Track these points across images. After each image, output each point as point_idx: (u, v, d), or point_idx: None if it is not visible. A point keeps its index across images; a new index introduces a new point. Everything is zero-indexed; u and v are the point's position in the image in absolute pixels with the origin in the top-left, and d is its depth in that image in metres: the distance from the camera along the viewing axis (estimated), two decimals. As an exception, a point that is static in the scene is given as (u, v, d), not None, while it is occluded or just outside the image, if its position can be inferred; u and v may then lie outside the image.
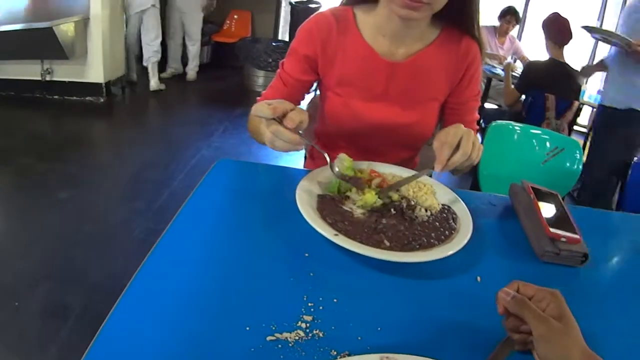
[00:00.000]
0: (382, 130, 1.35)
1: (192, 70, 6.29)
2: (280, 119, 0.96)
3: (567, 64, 3.70)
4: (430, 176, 1.23)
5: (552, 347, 0.63)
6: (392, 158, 1.31)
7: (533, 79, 3.74)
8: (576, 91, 3.76)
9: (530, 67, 3.89)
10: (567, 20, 3.59)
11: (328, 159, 1.08)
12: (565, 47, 3.65)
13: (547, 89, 3.65)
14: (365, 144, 1.39)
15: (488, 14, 5.29)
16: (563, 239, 0.97)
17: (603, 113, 3.31)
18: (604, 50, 7.44)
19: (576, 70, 3.75)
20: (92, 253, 2.63)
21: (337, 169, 1.08)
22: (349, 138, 1.40)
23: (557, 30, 3.62)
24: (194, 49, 6.14)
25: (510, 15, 5.15)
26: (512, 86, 3.95)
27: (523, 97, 3.92)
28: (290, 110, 0.96)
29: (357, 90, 1.32)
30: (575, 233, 1.00)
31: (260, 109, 0.95)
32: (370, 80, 1.31)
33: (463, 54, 1.32)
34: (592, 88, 7.31)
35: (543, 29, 3.71)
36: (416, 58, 1.30)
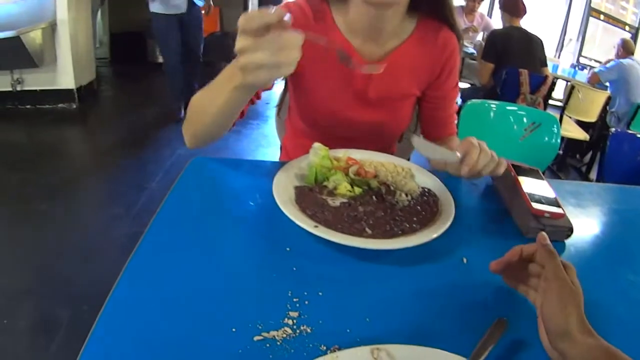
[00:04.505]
0: (356, 126, 1.33)
1: None
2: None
3: (524, 28, 4.13)
4: (408, 159, 1.22)
5: (557, 305, 0.63)
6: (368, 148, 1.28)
7: (497, 43, 4.08)
8: (537, 52, 4.10)
9: (493, 33, 4.24)
10: None
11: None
12: (520, 20, 4.16)
13: (511, 52, 3.99)
14: (341, 136, 1.36)
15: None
16: (547, 215, 0.97)
17: None
18: (575, 27, 7.55)
19: (534, 34, 4.10)
20: (75, 263, 2.58)
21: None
22: (322, 132, 1.37)
23: (513, 3, 4.11)
24: None
25: None
26: (483, 60, 4.18)
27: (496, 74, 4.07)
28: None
29: (331, 86, 1.29)
30: (559, 207, 0.99)
31: (263, 13, 0.73)
32: (346, 77, 1.28)
33: (441, 48, 1.29)
34: (566, 62, 7.40)
35: (500, 6, 4.27)
36: (392, 56, 1.27)
